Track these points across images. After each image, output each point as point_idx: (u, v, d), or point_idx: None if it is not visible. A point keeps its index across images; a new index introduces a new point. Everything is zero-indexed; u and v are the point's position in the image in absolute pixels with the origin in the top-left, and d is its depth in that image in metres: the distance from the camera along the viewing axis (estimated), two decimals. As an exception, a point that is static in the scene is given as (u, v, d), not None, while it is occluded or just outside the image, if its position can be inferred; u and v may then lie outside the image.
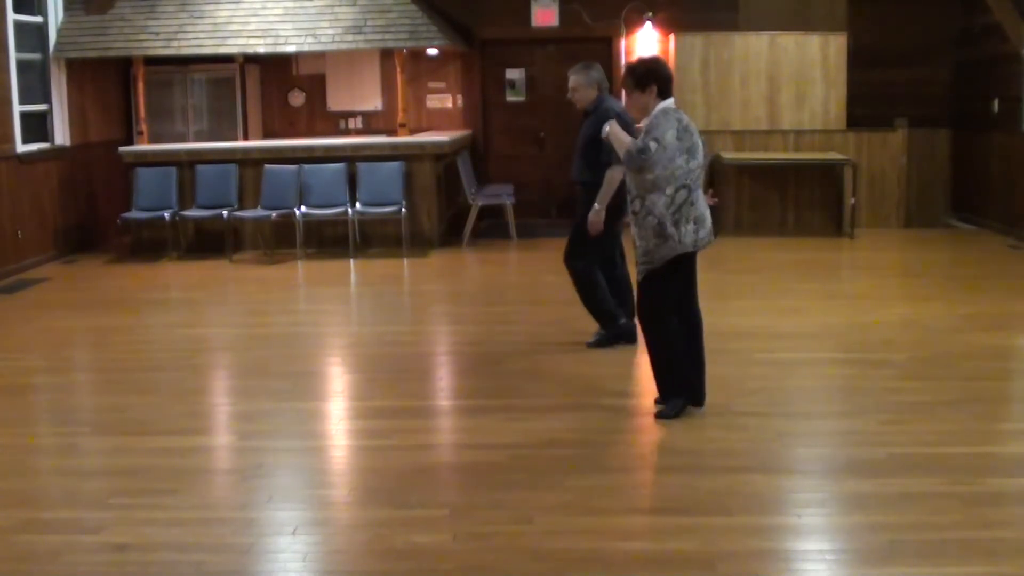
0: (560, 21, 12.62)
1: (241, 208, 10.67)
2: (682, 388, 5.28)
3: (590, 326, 6.78)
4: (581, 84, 6.50)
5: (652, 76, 5.15)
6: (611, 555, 3.79)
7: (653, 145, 5.00)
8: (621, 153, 5.17)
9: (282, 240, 10.71)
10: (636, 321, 5.56)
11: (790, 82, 11.82)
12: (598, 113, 6.37)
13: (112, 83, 12.12)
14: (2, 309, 8.42)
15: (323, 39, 10.87)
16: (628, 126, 6.34)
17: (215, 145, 11.27)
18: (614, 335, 6.66)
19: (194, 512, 4.25)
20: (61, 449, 5.17)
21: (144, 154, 10.94)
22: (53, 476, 4.84)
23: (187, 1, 11.13)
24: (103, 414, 5.69)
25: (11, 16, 10.06)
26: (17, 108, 10.12)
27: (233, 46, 10.96)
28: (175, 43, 10.89)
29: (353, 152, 10.82)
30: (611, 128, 5.29)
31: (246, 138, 12.17)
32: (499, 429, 5.19)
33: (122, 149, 11.07)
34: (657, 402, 5.36)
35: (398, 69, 11.38)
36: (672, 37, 12.21)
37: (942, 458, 4.69)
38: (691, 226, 5.07)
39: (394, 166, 10.64)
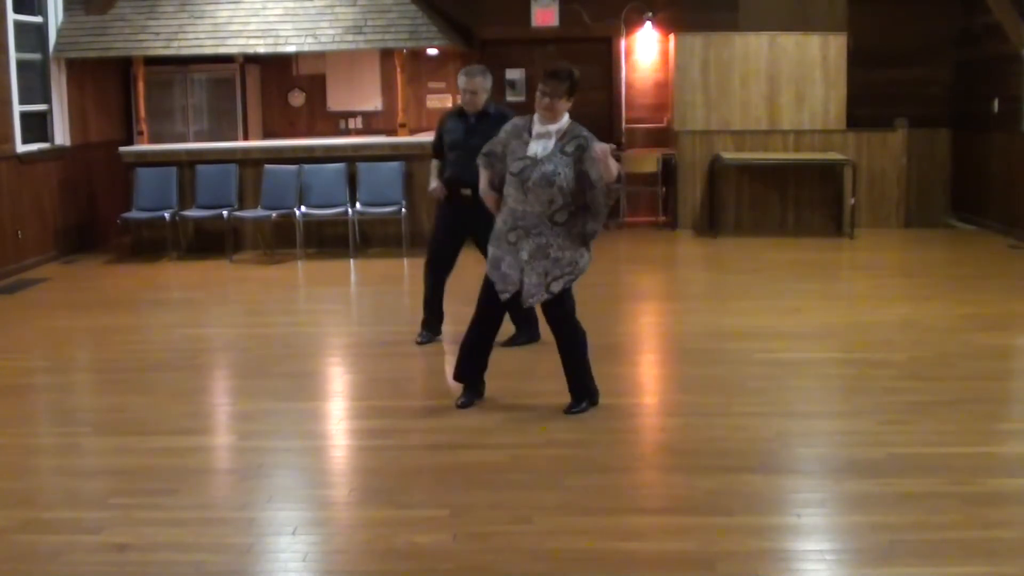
0: (560, 21, 12.62)
1: (241, 208, 10.67)
2: (594, 392, 5.42)
3: (590, 327, 6.76)
4: (482, 88, 6.61)
5: (576, 89, 5.26)
6: (611, 555, 3.79)
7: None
8: (606, 179, 5.03)
9: (282, 240, 10.71)
10: None
11: (790, 82, 11.82)
12: (496, 117, 6.47)
13: (112, 83, 12.12)
14: (2, 309, 8.42)
15: (323, 39, 10.87)
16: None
17: (215, 145, 11.27)
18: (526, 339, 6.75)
19: (194, 512, 4.25)
20: (61, 449, 5.16)
21: (144, 154, 10.94)
22: (53, 476, 4.84)
23: (187, 1, 11.13)
24: (103, 414, 5.69)
25: (11, 16, 10.06)
26: (17, 108, 10.12)
27: (233, 46, 10.97)
28: (175, 43, 10.89)
29: (353, 152, 10.82)
30: (604, 153, 5.11)
31: (246, 138, 12.18)
32: (499, 429, 5.20)
33: (122, 149, 11.07)
34: (572, 408, 5.40)
35: (398, 69, 11.39)
36: (672, 37, 12.21)
37: (942, 458, 4.69)
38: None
39: (394, 166, 10.64)
